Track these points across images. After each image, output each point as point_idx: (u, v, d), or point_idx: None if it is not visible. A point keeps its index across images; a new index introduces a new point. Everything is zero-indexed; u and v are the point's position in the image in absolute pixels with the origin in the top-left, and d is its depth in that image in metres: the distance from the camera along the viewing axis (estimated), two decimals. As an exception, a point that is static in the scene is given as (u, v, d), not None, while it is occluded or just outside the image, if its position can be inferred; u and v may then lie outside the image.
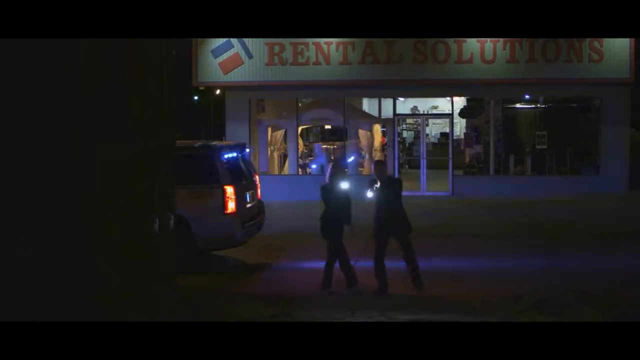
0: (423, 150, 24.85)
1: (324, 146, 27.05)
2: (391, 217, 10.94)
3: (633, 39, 22.65)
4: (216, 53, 23.78)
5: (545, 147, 24.53)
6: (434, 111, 27.31)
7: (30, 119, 5.51)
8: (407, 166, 27.38)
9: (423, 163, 24.36)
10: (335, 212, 11.23)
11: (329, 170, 11.68)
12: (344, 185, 11.38)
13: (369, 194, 11.03)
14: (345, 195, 11.35)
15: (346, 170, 12.40)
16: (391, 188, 11.11)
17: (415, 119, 27.62)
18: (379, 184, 10.99)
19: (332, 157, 26.25)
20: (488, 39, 22.95)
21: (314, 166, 25.94)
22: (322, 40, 23.35)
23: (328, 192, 11.36)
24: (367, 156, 25.76)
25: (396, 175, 23.77)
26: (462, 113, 26.59)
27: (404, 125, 27.65)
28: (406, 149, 29.15)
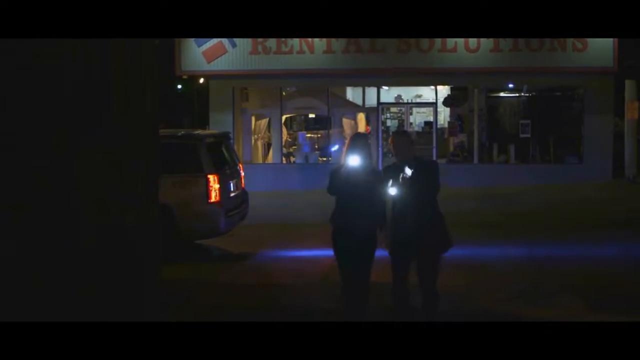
0: (407, 139, 24.80)
1: (308, 135, 26.99)
2: (420, 225, 7.34)
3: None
4: (199, 42, 23.69)
5: (528, 135, 24.58)
6: (418, 100, 27.28)
7: (9, 111, 5.44)
8: (390, 155, 27.32)
9: (407, 152, 24.25)
10: (350, 210, 7.50)
11: (345, 145, 7.74)
12: (368, 167, 7.55)
13: (393, 189, 7.32)
14: (365, 183, 7.47)
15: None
16: (422, 178, 7.36)
17: (399, 108, 27.58)
18: (407, 172, 7.28)
19: (316, 146, 26.20)
20: (472, 28, 22.93)
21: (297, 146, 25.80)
22: (306, 29, 23.27)
23: (341, 178, 7.52)
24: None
25: (379, 166, 23.72)
26: (446, 102, 26.58)
27: (387, 114, 27.62)
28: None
